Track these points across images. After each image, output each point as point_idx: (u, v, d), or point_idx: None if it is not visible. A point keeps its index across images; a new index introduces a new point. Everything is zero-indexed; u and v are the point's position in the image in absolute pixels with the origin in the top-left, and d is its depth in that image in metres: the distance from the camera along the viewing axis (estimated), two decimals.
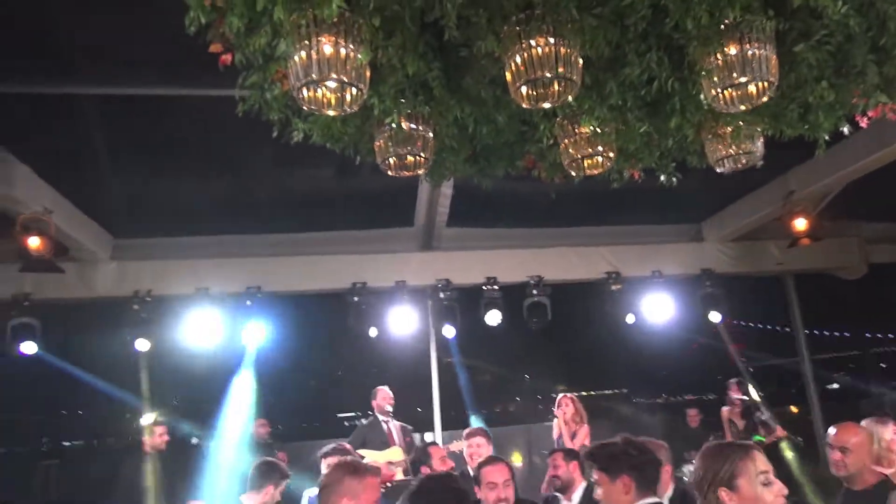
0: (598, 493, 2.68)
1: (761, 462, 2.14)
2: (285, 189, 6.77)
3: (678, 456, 7.77)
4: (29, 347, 6.93)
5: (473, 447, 5.14)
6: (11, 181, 5.44)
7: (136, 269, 7.46)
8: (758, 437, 6.87)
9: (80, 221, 6.73)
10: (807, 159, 6.60)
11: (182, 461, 6.48)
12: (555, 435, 6.73)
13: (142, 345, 7.18)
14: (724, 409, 7.21)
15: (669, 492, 3.20)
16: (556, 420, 6.75)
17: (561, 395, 6.90)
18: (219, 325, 7.33)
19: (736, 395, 6.98)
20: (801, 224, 7.05)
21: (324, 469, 4.69)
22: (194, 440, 6.45)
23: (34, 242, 5.72)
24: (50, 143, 5.63)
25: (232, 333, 7.45)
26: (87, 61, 4.64)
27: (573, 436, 6.51)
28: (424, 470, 4.22)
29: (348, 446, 4.92)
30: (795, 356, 9.53)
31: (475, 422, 8.30)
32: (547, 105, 3.02)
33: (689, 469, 7.30)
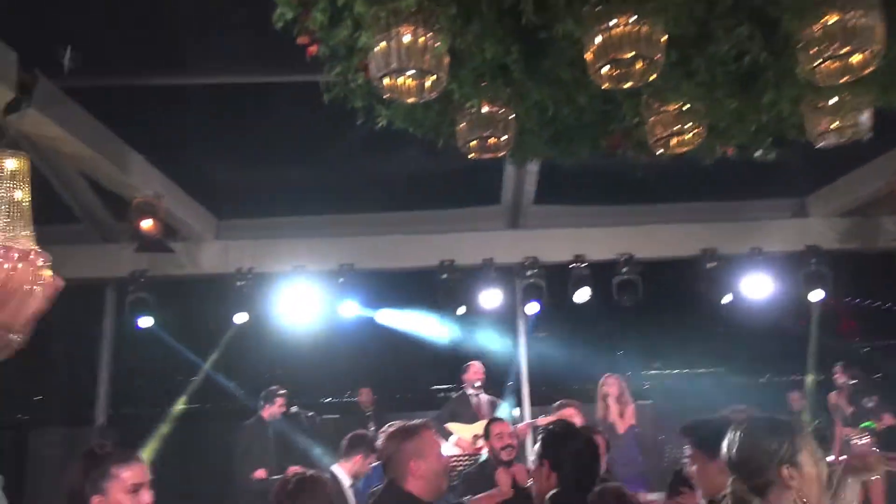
0: (692, 470, 2.61)
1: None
2: (376, 170, 6.97)
3: None
4: (146, 322, 7.53)
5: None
6: (127, 168, 5.89)
7: (238, 247, 7.92)
8: (867, 424, 6.50)
9: (188, 204, 7.20)
10: None
11: (288, 430, 6.86)
12: (599, 414, 6.52)
13: (240, 317, 7.64)
14: (832, 394, 6.84)
15: None
16: (604, 399, 6.54)
17: (606, 374, 6.72)
18: (315, 301, 7.68)
19: (842, 379, 6.59)
20: None
21: None
22: (293, 409, 6.81)
23: (147, 224, 6.18)
24: (160, 131, 6.06)
25: (327, 308, 7.78)
26: (193, 54, 4.97)
27: (621, 415, 6.40)
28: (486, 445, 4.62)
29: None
30: None
31: None
32: (629, 85, 2.96)
33: None
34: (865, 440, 6.04)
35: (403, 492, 2.75)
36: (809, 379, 8.98)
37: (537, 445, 2.90)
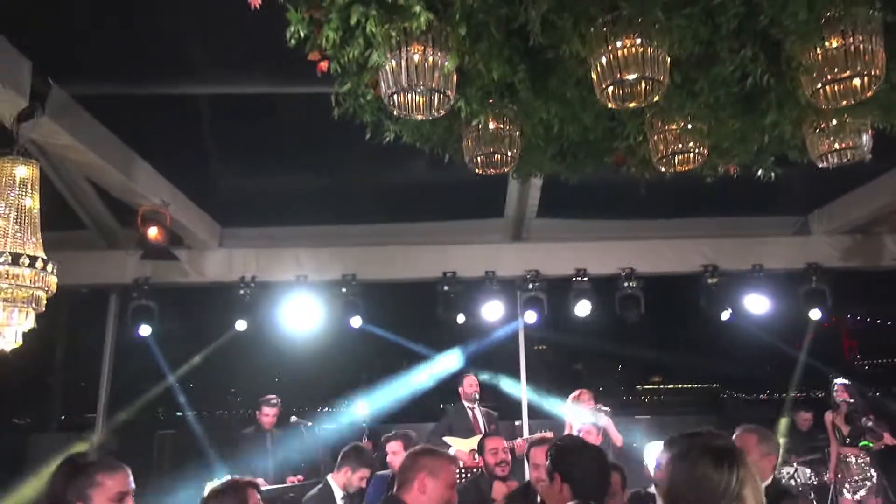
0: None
1: None
2: (380, 181, 7.02)
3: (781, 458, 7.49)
4: (145, 331, 7.58)
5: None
6: (134, 176, 5.94)
7: (242, 256, 7.97)
8: (864, 443, 6.51)
9: (193, 212, 7.25)
10: None
11: (285, 439, 6.88)
12: (589, 434, 6.16)
13: (240, 325, 7.67)
14: (828, 413, 6.84)
15: (768, 481, 3.15)
16: (595, 419, 6.31)
17: (579, 391, 6.61)
18: (317, 310, 7.71)
19: (841, 398, 6.60)
20: None
21: (389, 453, 4.92)
22: (293, 419, 6.83)
23: (153, 232, 6.23)
24: (167, 140, 6.12)
25: (329, 318, 7.81)
26: (200, 64, 5.02)
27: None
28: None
29: (412, 433, 5.16)
30: None
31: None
32: (633, 105, 3.01)
33: (787, 471, 7.03)
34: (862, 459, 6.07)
35: (400, 500, 2.85)
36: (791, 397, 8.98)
37: (547, 462, 2.92)
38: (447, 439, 6.55)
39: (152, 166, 6.28)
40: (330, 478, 4.69)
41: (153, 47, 4.81)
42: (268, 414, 6.82)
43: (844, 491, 6.46)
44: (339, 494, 4.61)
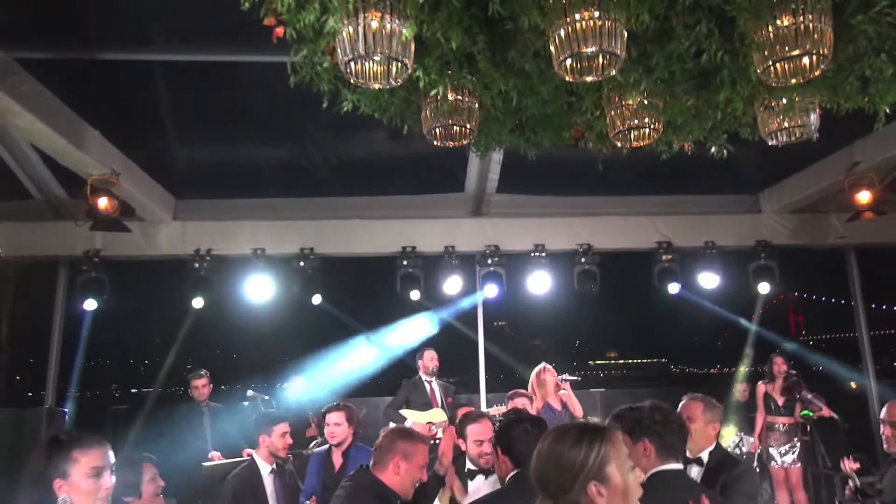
0: None
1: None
2: (339, 154, 6.94)
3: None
4: (90, 305, 7.42)
5: (519, 406, 5.35)
6: (82, 144, 5.74)
7: (196, 229, 7.81)
8: (806, 412, 6.79)
9: (145, 183, 7.06)
10: (873, 130, 6.33)
11: (235, 413, 6.84)
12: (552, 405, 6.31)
13: (197, 302, 7.55)
14: (760, 382, 7.08)
15: (711, 447, 3.27)
16: (549, 391, 6.34)
17: (542, 364, 6.65)
18: (272, 285, 7.63)
19: (780, 369, 6.86)
20: (864, 197, 6.79)
21: (330, 424, 4.83)
22: (249, 393, 6.78)
23: (103, 203, 6.03)
24: (118, 107, 5.93)
25: (285, 293, 7.74)
26: (154, 29, 4.86)
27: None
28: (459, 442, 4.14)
29: (351, 404, 5.07)
30: (854, 331, 9.27)
31: None
32: (591, 78, 3.03)
33: (733, 441, 7.30)
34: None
35: (376, 479, 3.05)
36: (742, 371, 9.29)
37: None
38: (404, 412, 6.60)
39: (102, 135, 6.08)
40: (254, 454, 4.60)
41: (103, 10, 4.63)
42: (197, 386, 6.76)
43: (774, 456, 6.77)
44: (265, 469, 4.50)
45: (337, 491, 3.15)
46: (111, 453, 2.48)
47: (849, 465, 4.14)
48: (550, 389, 6.41)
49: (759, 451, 7.05)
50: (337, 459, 4.83)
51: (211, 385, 6.95)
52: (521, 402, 5.66)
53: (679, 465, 2.69)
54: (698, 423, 3.25)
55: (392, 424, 6.57)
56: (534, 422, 3.09)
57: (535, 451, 1.82)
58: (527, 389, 6.38)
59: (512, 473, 2.92)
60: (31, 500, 2.25)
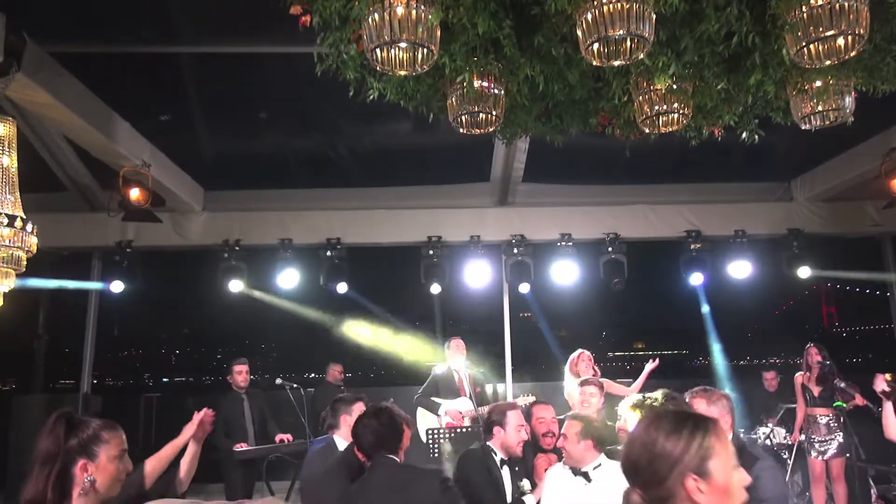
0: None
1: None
2: (365, 144, 6.98)
3: (755, 419, 7.66)
4: (120, 290, 7.57)
5: (585, 395, 5.31)
6: (114, 136, 5.85)
7: (225, 219, 7.92)
8: (838, 403, 6.65)
9: (175, 174, 7.17)
10: None
11: (267, 400, 6.90)
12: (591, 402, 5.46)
13: (235, 286, 7.67)
14: (798, 374, 6.98)
15: None
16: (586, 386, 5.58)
17: (579, 351, 6.53)
18: (301, 274, 7.72)
19: (815, 360, 6.73)
20: None
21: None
22: (278, 381, 6.84)
23: (134, 193, 6.15)
24: (148, 100, 6.02)
25: (313, 282, 7.83)
26: (182, 22, 4.92)
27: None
28: (497, 431, 4.11)
29: (365, 398, 5.06)
30: (890, 322, 9.06)
31: None
32: (618, 63, 2.98)
33: (763, 431, 7.19)
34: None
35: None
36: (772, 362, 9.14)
37: None
38: (436, 399, 6.65)
39: (134, 127, 6.18)
40: (335, 435, 4.57)
41: (133, 4, 4.71)
42: (240, 371, 6.75)
43: (812, 451, 6.63)
44: (342, 445, 4.44)
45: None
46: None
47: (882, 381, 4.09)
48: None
49: (797, 442, 6.93)
50: None
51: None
52: (589, 392, 5.44)
53: None
54: None
55: (421, 412, 6.64)
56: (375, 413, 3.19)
57: (628, 437, 1.72)
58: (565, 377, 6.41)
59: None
60: (44, 478, 2.23)
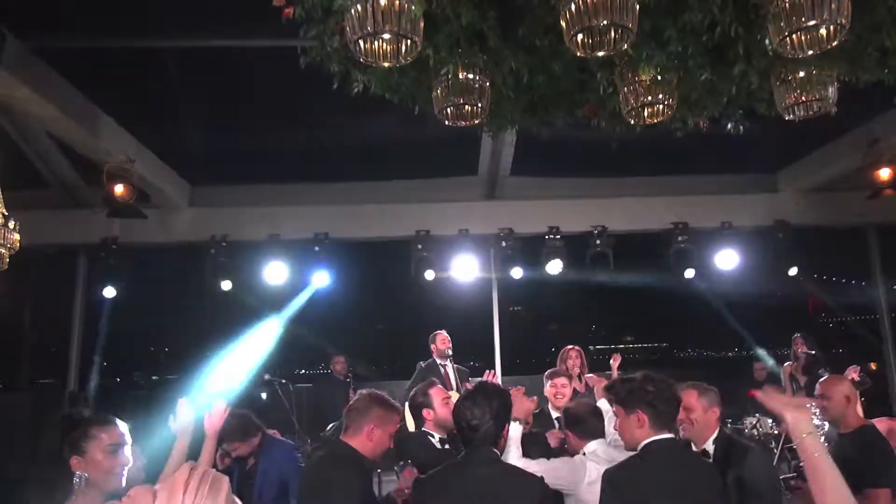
0: (616, 424, 2.77)
1: None
2: (353, 138, 6.94)
3: (742, 409, 7.71)
4: (109, 292, 7.51)
5: (557, 387, 5.20)
6: (98, 132, 5.79)
7: (212, 215, 7.87)
8: None
9: (161, 170, 7.12)
10: (893, 105, 6.22)
11: (252, 397, 6.90)
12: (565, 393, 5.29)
13: (225, 285, 7.63)
14: (787, 364, 7.03)
15: (714, 434, 3.21)
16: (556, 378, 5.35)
17: (569, 347, 6.45)
18: (289, 269, 7.69)
19: (802, 350, 6.79)
20: (885, 174, 6.69)
21: None
22: (266, 377, 6.84)
23: (119, 189, 6.10)
24: (132, 95, 5.96)
25: (301, 277, 7.79)
26: (166, 16, 4.87)
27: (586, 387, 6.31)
28: (427, 413, 3.85)
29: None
30: (874, 313, 9.15)
31: None
32: (602, 53, 2.98)
33: (750, 421, 7.25)
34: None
35: (348, 446, 2.93)
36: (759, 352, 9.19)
37: None
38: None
39: (117, 122, 6.13)
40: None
41: None
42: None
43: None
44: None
45: (309, 461, 3.07)
46: (127, 432, 2.51)
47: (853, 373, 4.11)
48: (573, 372, 6.36)
49: (784, 432, 6.98)
50: None
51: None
52: (560, 383, 5.41)
53: (672, 435, 2.66)
54: (697, 412, 3.16)
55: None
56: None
57: None
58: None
59: None
60: (44, 478, 2.26)
